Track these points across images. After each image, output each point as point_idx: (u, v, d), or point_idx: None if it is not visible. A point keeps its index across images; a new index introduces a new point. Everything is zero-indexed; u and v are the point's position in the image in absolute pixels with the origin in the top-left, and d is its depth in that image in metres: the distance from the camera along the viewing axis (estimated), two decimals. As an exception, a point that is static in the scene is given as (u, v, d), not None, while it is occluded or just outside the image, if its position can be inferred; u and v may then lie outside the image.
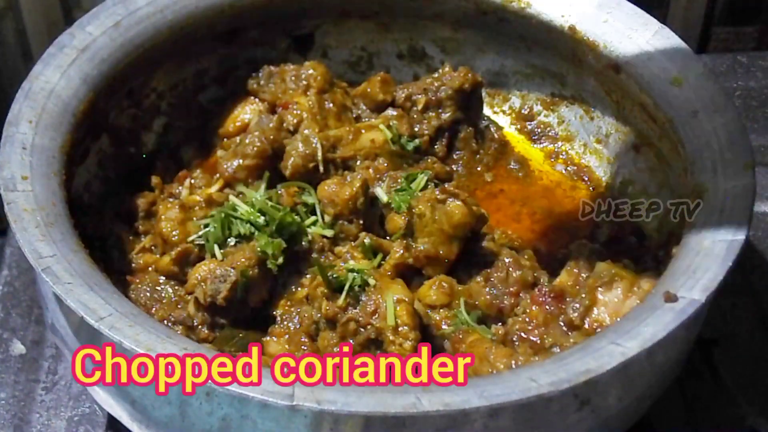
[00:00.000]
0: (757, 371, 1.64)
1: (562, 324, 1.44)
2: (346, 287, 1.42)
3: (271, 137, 1.67)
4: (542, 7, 1.75)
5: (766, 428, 1.56)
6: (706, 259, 1.33)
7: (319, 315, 1.44)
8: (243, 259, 1.49)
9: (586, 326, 1.43)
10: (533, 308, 1.45)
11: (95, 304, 1.28)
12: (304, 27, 1.89)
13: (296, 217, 1.57)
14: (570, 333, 1.43)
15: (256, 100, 1.81)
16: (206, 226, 1.56)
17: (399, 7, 1.87)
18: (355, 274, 1.44)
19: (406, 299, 1.40)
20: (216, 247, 1.53)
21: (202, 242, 1.56)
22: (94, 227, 1.61)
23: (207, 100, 1.86)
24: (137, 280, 1.57)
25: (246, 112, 1.80)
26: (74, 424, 1.55)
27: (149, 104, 1.79)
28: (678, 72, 1.60)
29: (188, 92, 1.83)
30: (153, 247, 1.62)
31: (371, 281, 1.42)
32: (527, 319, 1.44)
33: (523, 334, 1.42)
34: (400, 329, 1.37)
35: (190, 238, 1.57)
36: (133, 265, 1.60)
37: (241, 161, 1.66)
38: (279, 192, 1.62)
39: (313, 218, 1.60)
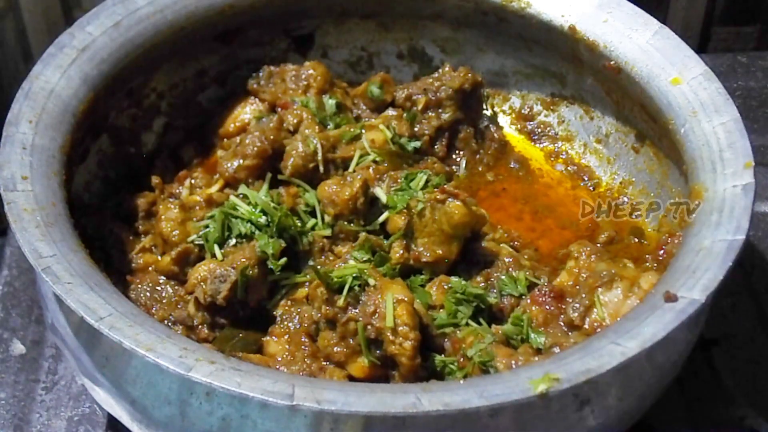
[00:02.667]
0: (757, 371, 1.64)
1: (562, 324, 1.44)
2: (346, 288, 1.42)
3: (271, 137, 1.67)
4: (542, 7, 1.75)
5: (765, 428, 1.56)
6: (706, 259, 1.33)
7: (319, 315, 1.44)
8: (243, 259, 1.48)
9: (586, 326, 1.43)
10: (533, 308, 1.45)
11: (95, 304, 1.28)
12: (304, 27, 1.89)
13: (297, 220, 1.57)
14: (570, 333, 1.43)
15: (256, 100, 1.81)
16: (206, 226, 1.56)
17: (399, 7, 1.87)
18: (354, 275, 1.43)
19: (406, 299, 1.40)
20: (216, 247, 1.53)
21: (202, 242, 1.56)
22: (94, 227, 1.61)
23: (207, 100, 1.86)
24: (137, 280, 1.57)
25: (246, 112, 1.80)
26: (74, 424, 1.55)
27: (149, 104, 1.79)
28: (678, 72, 1.60)
29: (188, 92, 1.83)
30: (153, 247, 1.62)
31: (371, 281, 1.42)
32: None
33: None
34: (399, 329, 1.37)
35: (190, 238, 1.57)
36: (133, 265, 1.60)
37: (241, 161, 1.66)
38: (280, 192, 1.62)
39: (313, 221, 1.60)
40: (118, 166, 1.73)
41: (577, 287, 1.47)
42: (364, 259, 1.51)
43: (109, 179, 1.72)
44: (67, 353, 1.45)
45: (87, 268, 1.35)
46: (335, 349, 1.41)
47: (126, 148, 1.75)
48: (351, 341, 1.41)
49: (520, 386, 1.20)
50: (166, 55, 1.75)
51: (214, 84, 1.86)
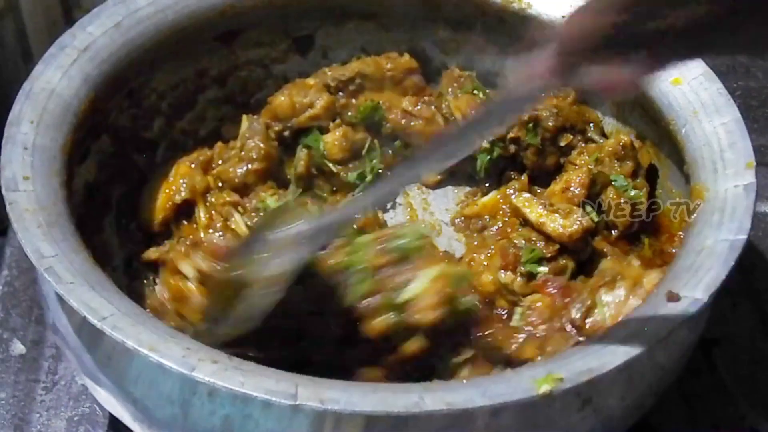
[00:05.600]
0: (757, 371, 1.65)
1: (565, 322, 1.44)
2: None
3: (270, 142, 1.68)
4: (543, 7, 1.75)
5: (765, 428, 1.56)
6: (708, 259, 1.33)
7: None
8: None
9: (587, 327, 1.43)
10: (538, 305, 1.45)
11: (97, 304, 1.28)
12: (304, 28, 1.88)
13: None
14: (572, 335, 1.43)
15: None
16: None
17: (399, 8, 1.87)
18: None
19: (444, 278, 1.38)
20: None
21: None
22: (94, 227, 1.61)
23: (207, 101, 1.86)
24: (138, 281, 1.58)
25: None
26: (74, 424, 1.55)
27: (149, 104, 1.79)
28: (678, 72, 1.60)
29: (188, 92, 1.83)
30: (154, 248, 1.62)
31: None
32: (532, 318, 1.44)
33: (529, 328, 1.43)
34: (427, 301, 1.36)
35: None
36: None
37: (249, 166, 1.66)
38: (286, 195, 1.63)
39: None
40: (118, 166, 1.73)
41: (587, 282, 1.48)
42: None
43: (109, 179, 1.72)
44: (68, 353, 1.45)
45: (89, 268, 1.35)
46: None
47: (126, 148, 1.75)
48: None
49: (523, 386, 1.20)
50: (167, 56, 1.74)
51: (214, 84, 1.86)
